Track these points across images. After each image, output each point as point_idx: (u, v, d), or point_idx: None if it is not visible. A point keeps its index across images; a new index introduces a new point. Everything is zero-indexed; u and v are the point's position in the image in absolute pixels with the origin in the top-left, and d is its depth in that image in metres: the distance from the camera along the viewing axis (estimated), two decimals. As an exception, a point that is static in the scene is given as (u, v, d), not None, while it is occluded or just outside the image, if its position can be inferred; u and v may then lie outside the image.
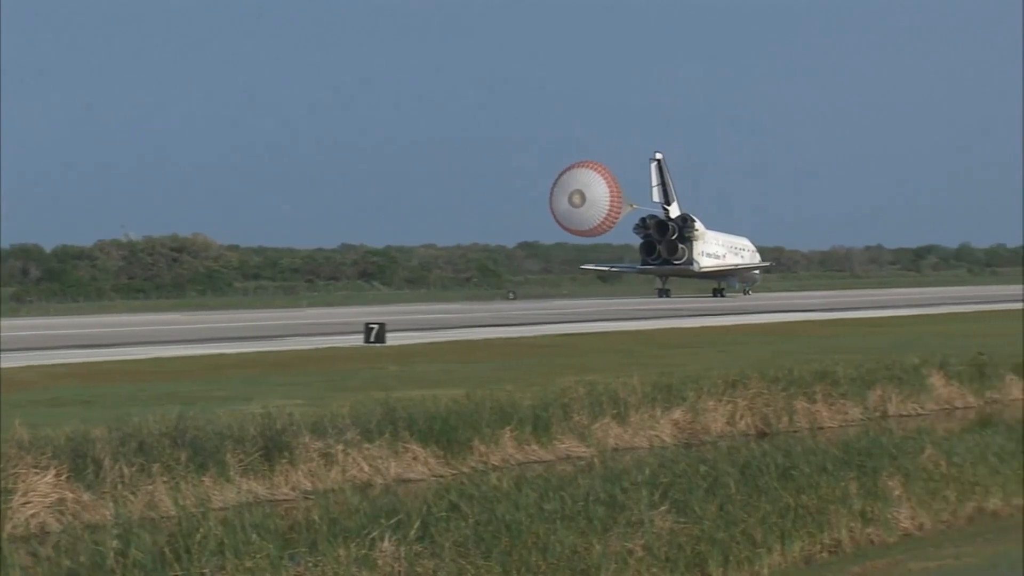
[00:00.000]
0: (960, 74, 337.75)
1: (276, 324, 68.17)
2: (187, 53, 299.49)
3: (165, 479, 23.66)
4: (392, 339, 50.60)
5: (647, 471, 21.68)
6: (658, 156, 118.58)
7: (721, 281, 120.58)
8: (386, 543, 17.70)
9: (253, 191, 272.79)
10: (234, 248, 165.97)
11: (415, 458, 27.17)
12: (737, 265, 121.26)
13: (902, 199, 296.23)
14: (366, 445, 26.66)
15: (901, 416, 35.66)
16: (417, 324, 65.02)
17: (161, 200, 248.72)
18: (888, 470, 22.90)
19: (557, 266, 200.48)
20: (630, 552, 18.53)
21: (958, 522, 22.68)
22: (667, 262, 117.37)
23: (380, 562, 17.36)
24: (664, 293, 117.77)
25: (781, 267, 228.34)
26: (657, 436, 31.21)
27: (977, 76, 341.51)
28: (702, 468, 22.01)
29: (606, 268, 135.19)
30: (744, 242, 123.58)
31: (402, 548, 17.66)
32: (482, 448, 28.20)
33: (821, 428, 33.25)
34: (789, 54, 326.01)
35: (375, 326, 50.91)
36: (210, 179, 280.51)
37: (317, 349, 48.01)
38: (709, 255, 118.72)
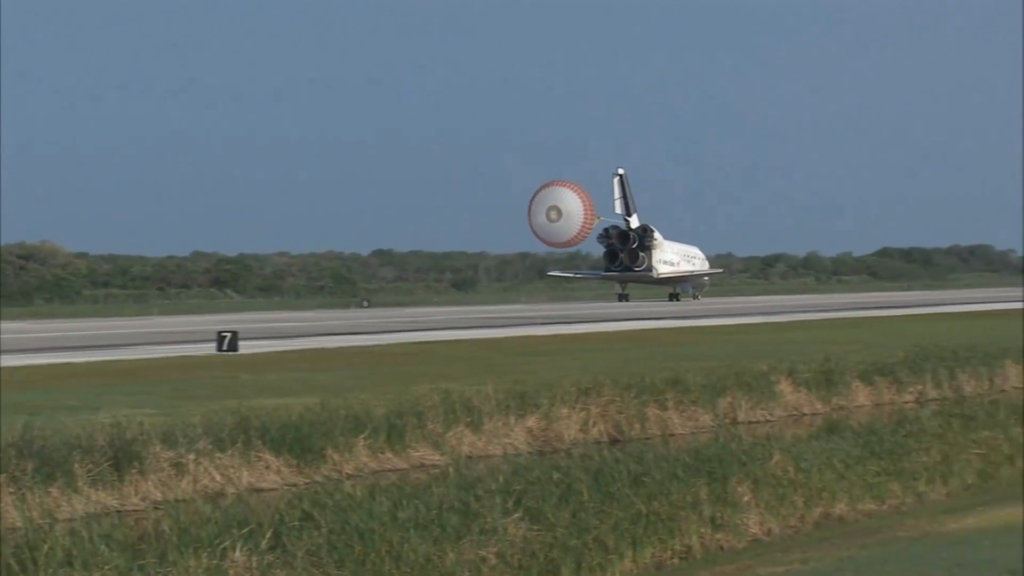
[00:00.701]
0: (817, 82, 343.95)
1: (126, 333, 67.21)
2: (33, 50, 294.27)
3: (11, 490, 23.21)
4: (245, 347, 50.17)
5: (501, 479, 21.76)
6: (620, 172, 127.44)
7: (676, 286, 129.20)
8: (237, 553, 17.57)
9: (103, 197, 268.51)
10: (83, 256, 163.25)
11: (268, 467, 26.99)
12: (692, 272, 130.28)
13: (752, 209, 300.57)
14: (218, 454, 26.42)
15: (751, 423, 36.18)
16: (270, 332, 64.54)
17: (8, 206, 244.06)
18: (738, 476, 23.22)
19: (412, 274, 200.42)
20: (484, 560, 18.59)
21: (805, 527, 23.07)
22: (628, 269, 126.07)
23: (231, 572, 17.23)
24: (623, 297, 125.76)
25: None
26: (511, 444, 31.32)
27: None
28: (555, 475, 22.15)
29: (571, 275, 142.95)
30: (695, 251, 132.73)
31: (254, 558, 17.54)
32: (336, 457, 28.09)
33: (673, 435, 33.61)
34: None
35: (227, 334, 50.42)
36: (59, 184, 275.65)
37: (168, 358, 47.43)
38: (666, 263, 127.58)
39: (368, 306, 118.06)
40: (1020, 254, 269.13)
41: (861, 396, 40.35)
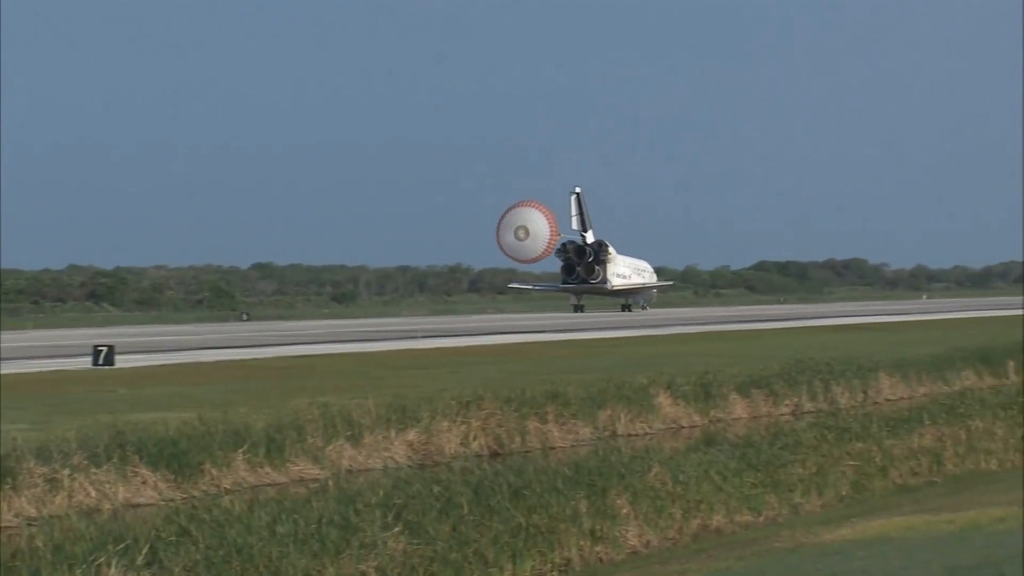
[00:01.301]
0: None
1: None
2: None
3: None
4: (122, 361, 49.55)
5: (381, 493, 21.70)
6: (577, 190, 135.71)
7: (628, 298, 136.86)
8: (113, 569, 17.36)
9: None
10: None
11: (144, 482, 26.70)
12: (644, 284, 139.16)
13: (629, 222, 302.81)
14: (93, 470, 26.08)
15: (630, 435, 36.41)
16: (148, 346, 63.81)
17: None
18: (617, 489, 23.35)
19: (292, 287, 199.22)
20: (364, 574, 18.54)
21: (683, 539, 23.26)
22: (584, 281, 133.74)
23: (107, 589, 17.01)
24: (579, 308, 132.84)
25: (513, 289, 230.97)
26: (392, 458, 31.25)
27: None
28: (435, 489, 22.13)
29: (530, 287, 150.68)
30: (644, 264, 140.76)
31: (130, 574, 17.33)
32: (214, 471, 27.85)
33: (553, 448, 33.71)
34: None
35: (103, 348, 49.78)
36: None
37: (43, 372, 46.72)
38: (619, 275, 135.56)
39: (247, 320, 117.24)
40: (893, 268, 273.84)
41: (738, 409, 40.78)
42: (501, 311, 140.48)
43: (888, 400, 44.74)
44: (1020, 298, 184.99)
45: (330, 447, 30.28)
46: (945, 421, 31.89)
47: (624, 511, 22.77)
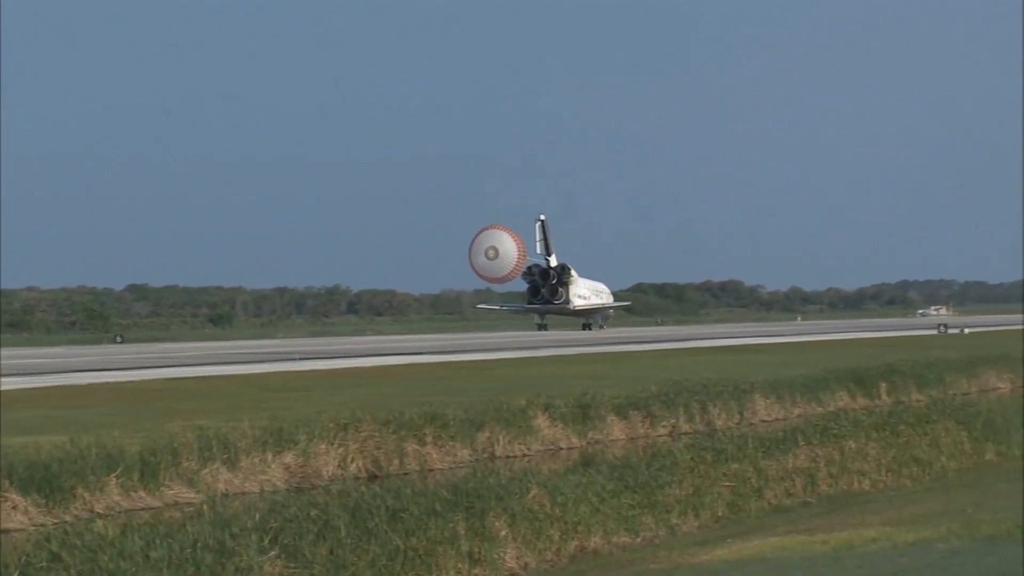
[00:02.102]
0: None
1: None
2: None
3: None
4: (-9, 384, 48.69)
5: (257, 516, 21.51)
6: (542, 217, 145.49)
7: (588, 317, 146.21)
8: (-18, 597, 17.03)
9: None
10: None
11: (14, 507, 26.24)
12: (602, 304, 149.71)
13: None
14: (-39, 495, 25.57)
15: (509, 457, 36.47)
16: (19, 369, 62.75)
17: None
18: (495, 511, 23.36)
19: (167, 308, 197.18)
20: (239, 599, 18.34)
21: (561, 561, 23.32)
22: (549, 302, 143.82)
23: (-25, 617, 16.69)
24: (543, 327, 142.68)
25: (392, 310, 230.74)
26: (269, 481, 31.03)
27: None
28: (313, 512, 21.98)
29: (498, 307, 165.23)
30: (602, 286, 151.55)
31: (-1, 602, 17.02)
32: (87, 496, 27.46)
33: (431, 470, 33.68)
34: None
35: (-27, 371, 48.90)
36: None
37: (-90, 395, 45.76)
38: (580, 296, 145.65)
39: (121, 342, 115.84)
40: (768, 290, 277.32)
41: (616, 430, 41.01)
42: (381, 333, 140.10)
43: (764, 421, 45.25)
44: (894, 320, 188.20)
45: (206, 470, 30.00)
46: (819, 442, 32.28)
47: (502, 533, 22.79)
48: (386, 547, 20.73)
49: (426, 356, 75.46)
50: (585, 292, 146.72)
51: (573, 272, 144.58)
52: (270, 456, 31.68)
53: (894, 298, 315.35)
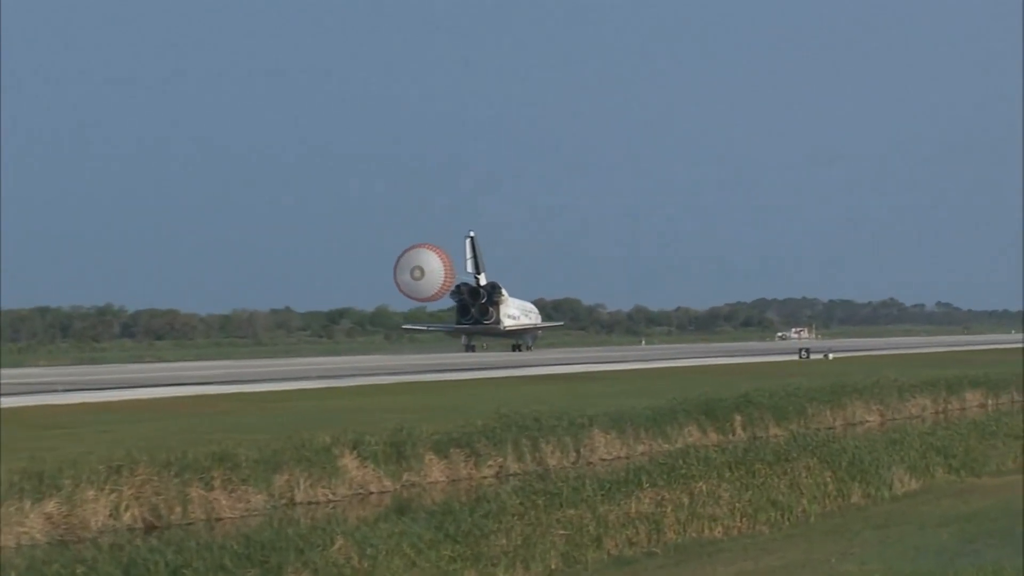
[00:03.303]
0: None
1: None
2: None
3: None
4: None
5: (13, 575, 21.17)
6: (472, 234, 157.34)
7: (518, 338, 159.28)
8: None
9: None
10: None
11: None
12: (534, 324, 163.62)
13: (311, 259, 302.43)
14: None
15: (310, 503, 36.33)
16: None
17: None
18: (294, 565, 23.28)
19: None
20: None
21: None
22: (479, 322, 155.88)
23: None
24: (470, 348, 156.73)
25: (175, 333, 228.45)
26: (27, 533, 30.53)
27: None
28: (79, 570, 21.70)
29: (424, 328, 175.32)
30: (530, 306, 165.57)
31: None
32: None
33: (220, 519, 33.42)
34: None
35: None
36: None
37: None
38: (510, 316, 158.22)
39: None
40: (609, 310, 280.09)
41: (435, 471, 41.06)
42: (161, 359, 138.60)
43: (603, 459, 45.64)
44: (750, 343, 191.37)
45: (-49, 522, 29.40)
46: (665, 483, 32.64)
47: (302, 591, 22.70)
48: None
49: (214, 386, 74.78)
50: (515, 312, 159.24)
51: (504, 292, 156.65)
52: (28, 504, 31.17)
53: (750, 319, 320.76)
